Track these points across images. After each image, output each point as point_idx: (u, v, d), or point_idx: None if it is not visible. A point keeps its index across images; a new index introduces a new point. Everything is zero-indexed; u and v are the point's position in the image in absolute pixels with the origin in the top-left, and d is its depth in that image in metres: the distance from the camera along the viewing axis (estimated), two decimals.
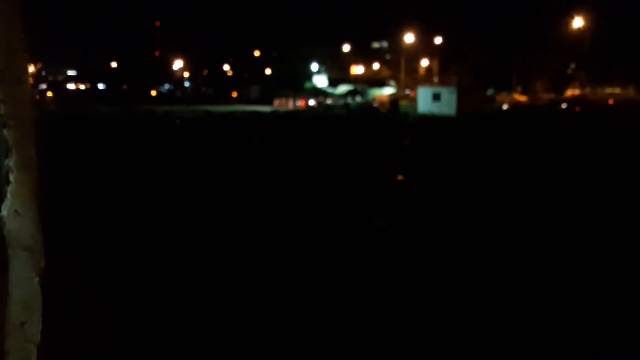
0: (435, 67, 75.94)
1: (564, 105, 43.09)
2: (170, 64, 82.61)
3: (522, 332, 3.86)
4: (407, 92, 59.56)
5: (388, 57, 76.22)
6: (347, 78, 69.42)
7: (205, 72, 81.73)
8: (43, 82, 76.28)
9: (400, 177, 10.83)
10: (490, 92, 51.94)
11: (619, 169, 11.79)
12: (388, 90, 61.22)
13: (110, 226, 6.70)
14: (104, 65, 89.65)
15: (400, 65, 66.95)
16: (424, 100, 39.10)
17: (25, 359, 1.11)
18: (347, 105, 46.33)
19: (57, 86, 79.48)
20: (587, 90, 59.64)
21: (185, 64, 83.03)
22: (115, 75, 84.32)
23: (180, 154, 14.74)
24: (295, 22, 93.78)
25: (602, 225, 6.81)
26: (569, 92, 58.61)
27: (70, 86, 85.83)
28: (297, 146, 16.55)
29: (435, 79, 71.15)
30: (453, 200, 8.53)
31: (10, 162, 1.11)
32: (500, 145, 17.24)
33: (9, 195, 1.11)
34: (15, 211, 1.12)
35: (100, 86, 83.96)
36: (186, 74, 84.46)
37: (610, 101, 49.06)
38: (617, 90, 62.15)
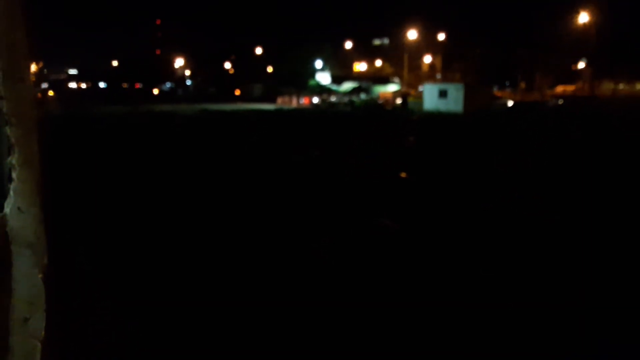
0: (438, 64, 75.47)
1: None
2: (171, 63, 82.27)
3: (523, 332, 3.83)
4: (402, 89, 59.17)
5: (389, 54, 75.79)
6: (349, 75, 68.94)
7: (207, 70, 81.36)
8: (45, 81, 75.97)
9: (406, 176, 10.50)
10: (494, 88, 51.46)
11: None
12: (392, 87, 60.74)
13: (111, 225, 6.66)
14: (105, 64, 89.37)
15: (402, 62, 66.51)
16: (430, 97, 38.70)
17: (29, 354, 1.10)
18: (351, 102, 45.85)
19: (59, 85, 79.14)
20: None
21: (186, 62, 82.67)
22: (117, 74, 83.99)
23: (184, 154, 14.34)
24: (296, 19, 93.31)
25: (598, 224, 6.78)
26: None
27: (72, 85, 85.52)
28: (305, 145, 16.16)
29: (438, 76, 70.70)
30: (459, 199, 8.36)
31: (13, 159, 1.11)
32: (510, 144, 16.83)
33: (11, 193, 1.11)
34: (18, 208, 1.11)
35: (102, 85, 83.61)
36: (187, 72, 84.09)
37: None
38: (621, 86, 61.71)
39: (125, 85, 78.40)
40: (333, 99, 51.43)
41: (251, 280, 4.78)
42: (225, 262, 5.33)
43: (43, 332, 1.14)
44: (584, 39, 56.62)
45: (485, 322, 3.99)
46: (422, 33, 66.76)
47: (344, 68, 71.41)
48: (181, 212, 7.42)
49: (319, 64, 70.23)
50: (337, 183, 9.71)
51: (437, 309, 4.21)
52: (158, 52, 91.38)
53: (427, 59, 74.48)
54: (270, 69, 74.06)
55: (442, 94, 37.81)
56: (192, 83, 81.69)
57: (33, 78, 1.47)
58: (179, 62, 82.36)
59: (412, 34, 65.65)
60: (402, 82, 64.38)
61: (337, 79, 65.69)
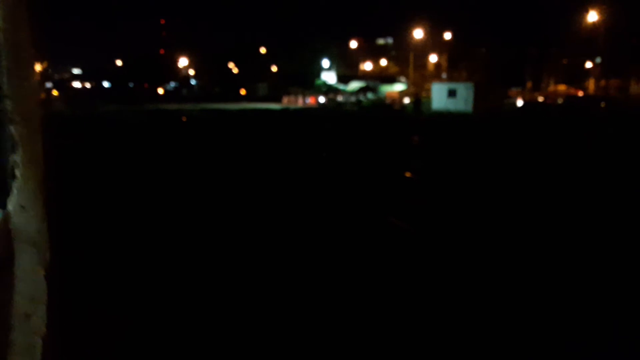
0: (444, 63, 74.97)
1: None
2: (175, 62, 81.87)
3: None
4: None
5: (394, 53, 75.29)
6: (355, 75, 68.48)
7: (212, 69, 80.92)
8: (49, 80, 75.67)
9: (420, 179, 10.07)
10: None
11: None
12: (398, 87, 60.19)
13: (117, 223, 6.71)
14: (109, 63, 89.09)
15: (407, 61, 66.01)
16: (439, 96, 38.18)
17: (30, 351, 1.12)
18: (359, 102, 45.32)
19: (63, 85, 78.88)
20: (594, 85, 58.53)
21: (190, 62, 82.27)
22: (121, 73, 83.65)
23: (196, 158, 13.91)
24: (300, 18, 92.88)
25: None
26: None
27: (76, 85, 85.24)
28: (313, 145, 15.72)
29: (444, 75, 70.20)
30: (473, 202, 8.03)
31: (17, 157, 1.12)
32: (527, 147, 16.34)
33: (14, 190, 1.12)
34: (21, 206, 1.13)
35: (106, 84, 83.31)
36: (191, 72, 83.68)
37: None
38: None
39: (130, 84, 78.05)
40: (340, 98, 50.87)
41: (251, 287, 4.64)
42: (226, 264, 5.29)
43: (44, 329, 1.14)
44: (594, 37, 56.02)
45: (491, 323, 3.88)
46: (428, 32, 66.35)
47: (350, 67, 70.97)
48: (186, 211, 7.46)
49: (325, 63, 69.72)
50: (349, 184, 9.46)
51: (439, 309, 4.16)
52: (162, 51, 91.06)
53: (433, 58, 74.05)
54: (275, 69, 73.59)
55: (451, 93, 37.27)
56: (197, 83, 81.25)
57: (38, 77, 1.37)
58: (183, 61, 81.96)
59: (418, 33, 65.17)
60: (408, 82, 63.84)
61: (342, 78, 65.19)
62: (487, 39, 65.96)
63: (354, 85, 58.08)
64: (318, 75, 67.41)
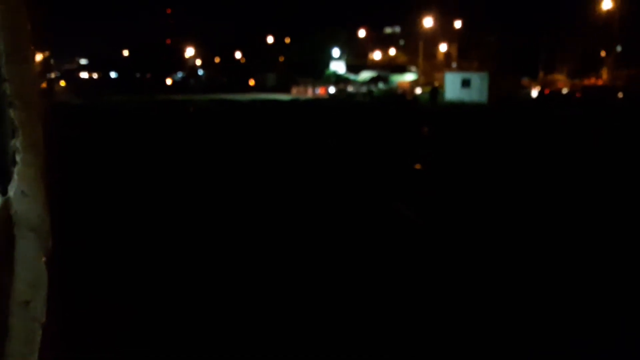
0: (454, 52, 73.91)
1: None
2: (182, 52, 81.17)
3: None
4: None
5: (402, 42, 74.25)
6: (364, 64, 67.56)
7: (218, 59, 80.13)
8: (52, 71, 75.21)
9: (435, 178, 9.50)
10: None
11: None
12: (409, 77, 59.29)
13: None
14: (115, 53, 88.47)
15: (416, 51, 65.03)
16: (452, 86, 37.45)
17: (29, 337, 1.11)
18: (370, 92, 44.55)
19: (70, 75, 78.51)
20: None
21: (197, 52, 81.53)
22: (128, 63, 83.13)
23: (207, 149, 13.42)
24: (307, 6, 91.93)
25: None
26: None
27: (83, 75, 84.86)
28: (330, 137, 15.21)
29: (454, 65, 69.22)
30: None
31: (17, 142, 1.10)
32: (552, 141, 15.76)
33: (15, 176, 1.11)
34: (22, 192, 1.11)
35: (113, 75, 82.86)
36: (198, 62, 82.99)
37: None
38: None
39: (137, 74, 77.50)
40: (350, 88, 50.06)
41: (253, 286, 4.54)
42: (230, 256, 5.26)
43: (44, 316, 1.12)
44: (609, 26, 54.82)
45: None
46: (438, 20, 65.25)
47: (359, 57, 70.04)
48: (193, 206, 7.37)
49: (336, 52, 68.74)
50: (362, 176, 9.34)
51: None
52: (169, 41, 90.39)
53: (443, 47, 72.98)
54: (282, 59, 72.80)
55: (465, 83, 36.55)
56: (204, 73, 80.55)
57: (39, 67, 1.06)
58: (189, 51, 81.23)
59: (427, 22, 64.12)
60: (418, 71, 62.96)
61: (351, 68, 64.31)
62: (498, 27, 64.84)
63: (365, 75, 57.16)
64: (327, 65, 66.51)
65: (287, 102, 38.81)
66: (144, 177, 9.29)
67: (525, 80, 53.15)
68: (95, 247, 5.15)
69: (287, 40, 74.70)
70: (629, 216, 6.66)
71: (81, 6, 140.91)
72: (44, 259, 1.13)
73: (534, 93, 40.60)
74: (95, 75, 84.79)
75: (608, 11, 55.40)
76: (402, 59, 71.60)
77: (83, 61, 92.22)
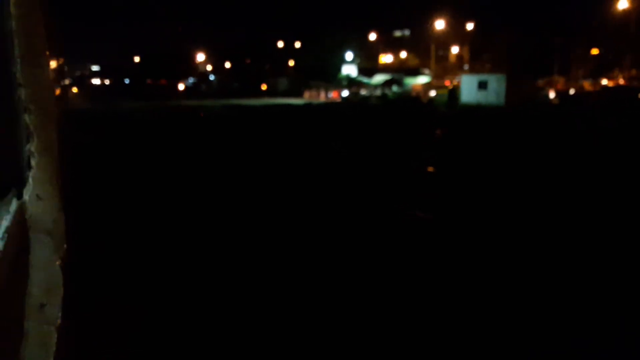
0: (466, 55, 73.26)
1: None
2: (193, 57, 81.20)
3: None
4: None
5: (414, 45, 73.74)
6: (375, 67, 67.13)
7: (229, 64, 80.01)
8: (66, 77, 75.49)
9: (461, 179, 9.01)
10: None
11: None
12: (422, 79, 58.71)
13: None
14: (127, 60, 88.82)
15: (427, 53, 64.49)
16: (469, 89, 36.86)
17: (45, 340, 1.12)
18: (384, 96, 44.02)
19: (82, 81, 78.93)
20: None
21: (208, 57, 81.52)
22: (139, 69, 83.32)
23: (222, 156, 13.03)
24: (315, 11, 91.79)
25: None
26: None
27: (95, 81, 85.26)
28: (352, 142, 14.77)
29: (466, 67, 68.57)
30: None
31: (32, 147, 1.11)
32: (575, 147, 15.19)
33: (30, 180, 1.12)
34: (37, 196, 1.12)
35: (125, 81, 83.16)
36: (209, 68, 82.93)
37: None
38: None
39: (149, 81, 77.62)
40: (363, 92, 49.55)
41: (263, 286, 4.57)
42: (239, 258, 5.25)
43: (59, 319, 1.13)
44: (625, 26, 53.91)
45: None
46: (448, 22, 64.71)
47: (370, 60, 69.67)
48: (202, 208, 7.38)
49: (349, 55, 68.36)
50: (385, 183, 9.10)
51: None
52: (180, 47, 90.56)
53: (454, 49, 72.35)
54: (294, 63, 72.53)
55: (482, 85, 35.94)
56: (216, 78, 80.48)
57: (53, 74, 1.27)
58: (200, 56, 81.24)
59: (438, 24, 63.58)
60: (431, 74, 62.43)
61: (364, 71, 63.88)
62: (510, 28, 64.07)
63: (379, 78, 56.62)
64: (339, 69, 66.13)
65: (301, 106, 38.44)
66: (156, 182, 9.31)
67: (540, 82, 52.34)
68: (107, 250, 5.16)
69: (298, 44, 74.48)
70: None
71: (92, 13, 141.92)
72: (58, 262, 1.13)
73: (552, 94, 39.84)
74: (107, 82, 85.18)
75: (624, 10, 54.50)
76: (413, 62, 71.08)
77: (95, 67, 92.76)
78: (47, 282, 1.12)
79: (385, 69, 66.46)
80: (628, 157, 12.06)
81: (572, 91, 44.52)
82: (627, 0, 54.44)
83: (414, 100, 38.68)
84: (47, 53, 1.13)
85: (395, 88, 50.81)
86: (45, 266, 1.12)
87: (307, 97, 50.38)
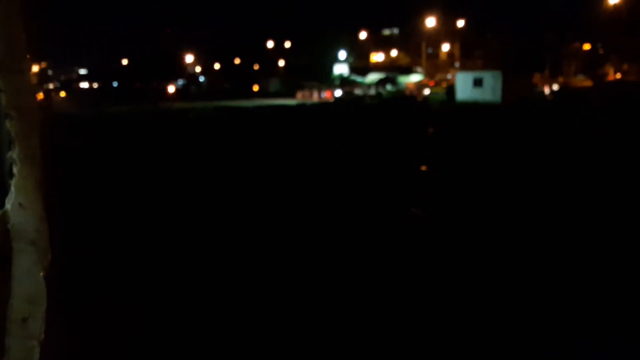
0: (457, 52, 73.06)
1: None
2: (182, 59, 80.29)
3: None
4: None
5: (405, 43, 73.47)
6: (367, 66, 66.72)
7: (219, 65, 79.17)
8: (49, 81, 74.44)
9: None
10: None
11: None
12: (415, 78, 58.33)
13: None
14: (115, 62, 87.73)
15: (418, 52, 64.20)
16: (464, 86, 36.45)
17: (27, 356, 1.09)
18: (379, 95, 43.47)
19: (70, 85, 77.82)
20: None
21: (197, 58, 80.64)
22: (127, 72, 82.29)
23: (218, 160, 12.43)
24: (304, 11, 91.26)
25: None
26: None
27: (83, 85, 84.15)
28: (353, 144, 14.22)
29: (457, 64, 68.35)
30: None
31: (14, 154, 1.09)
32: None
33: (12, 189, 1.09)
34: (19, 204, 1.10)
35: (113, 84, 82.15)
36: (198, 69, 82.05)
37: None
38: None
39: (138, 84, 76.67)
40: (357, 91, 48.96)
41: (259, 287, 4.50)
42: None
43: (42, 333, 1.09)
44: (615, 21, 53.81)
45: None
46: (439, 20, 64.40)
47: (361, 59, 69.26)
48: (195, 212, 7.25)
49: (342, 54, 67.83)
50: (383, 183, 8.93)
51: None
52: (168, 48, 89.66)
53: (445, 47, 72.11)
54: (285, 63, 71.89)
55: (477, 82, 35.53)
56: (205, 79, 79.60)
57: (35, 79, 1.25)
58: (189, 58, 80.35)
59: (429, 22, 63.24)
60: (423, 72, 62.12)
61: (356, 70, 63.46)
62: (501, 24, 63.99)
63: (372, 77, 56.10)
64: (331, 68, 65.60)
65: (295, 107, 37.80)
66: (145, 186, 9.14)
67: (535, 78, 52.09)
68: (97, 257, 5.04)
69: (288, 44, 73.84)
70: None
71: (79, 16, 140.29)
72: (42, 273, 1.08)
73: (547, 91, 39.55)
74: (95, 85, 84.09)
75: (615, 5, 54.40)
76: (404, 60, 70.77)
77: (82, 71, 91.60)
78: (30, 295, 1.07)
79: (377, 67, 66.08)
80: (623, 152, 11.76)
81: (567, 87, 44.32)
82: None
83: (409, 99, 38.21)
84: (28, 57, 1.07)
85: (389, 87, 50.32)
86: (28, 278, 1.08)
87: (300, 97, 49.72)
